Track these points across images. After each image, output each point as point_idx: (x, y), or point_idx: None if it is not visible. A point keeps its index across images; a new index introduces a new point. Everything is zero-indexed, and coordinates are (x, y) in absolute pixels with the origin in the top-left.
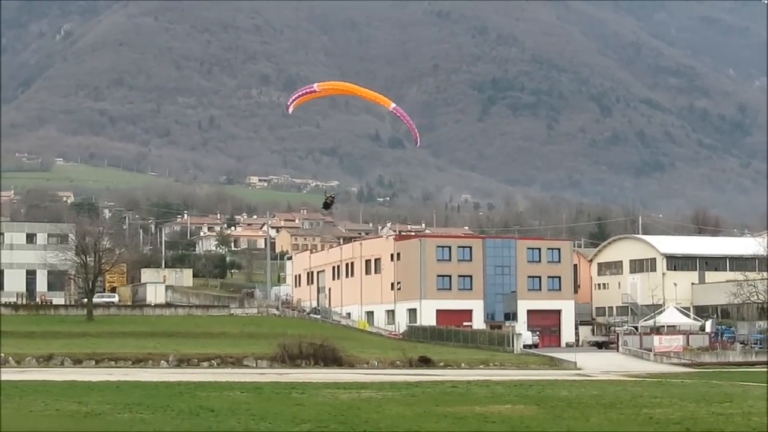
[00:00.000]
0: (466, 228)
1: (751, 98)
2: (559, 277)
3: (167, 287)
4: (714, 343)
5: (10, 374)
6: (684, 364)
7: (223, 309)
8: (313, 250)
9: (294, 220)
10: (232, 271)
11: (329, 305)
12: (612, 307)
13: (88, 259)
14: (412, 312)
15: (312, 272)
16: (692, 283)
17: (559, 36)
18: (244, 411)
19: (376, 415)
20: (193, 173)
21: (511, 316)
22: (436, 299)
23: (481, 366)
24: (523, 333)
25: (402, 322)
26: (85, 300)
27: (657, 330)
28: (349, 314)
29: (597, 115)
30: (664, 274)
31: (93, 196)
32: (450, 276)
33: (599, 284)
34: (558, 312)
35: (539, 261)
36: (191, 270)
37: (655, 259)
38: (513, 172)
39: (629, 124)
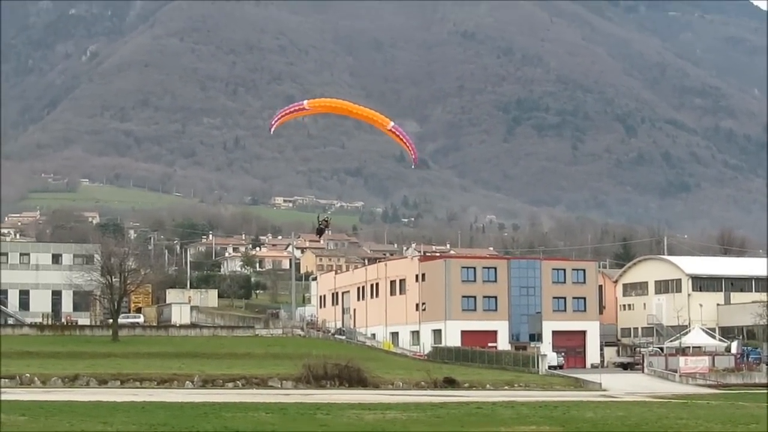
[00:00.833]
0: (491, 249)
1: None
2: (584, 298)
3: (192, 308)
4: (740, 364)
5: (36, 394)
6: (710, 386)
7: (248, 330)
8: (338, 271)
9: (319, 241)
10: (257, 291)
11: (354, 326)
12: (637, 328)
13: (114, 279)
14: (437, 333)
15: (337, 293)
16: (718, 304)
17: (584, 56)
18: None
19: None
20: (218, 194)
21: (536, 336)
22: (460, 320)
23: (506, 387)
24: (548, 354)
25: (427, 343)
26: (111, 320)
27: (682, 351)
28: (373, 335)
29: (622, 135)
30: (689, 295)
31: (118, 216)
32: (475, 297)
33: (624, 305)
34: (583, 333)
35: (564, 282)
36: (216, 290)
37: (680, 279)
38: (538, 192)
39: (654, 145)
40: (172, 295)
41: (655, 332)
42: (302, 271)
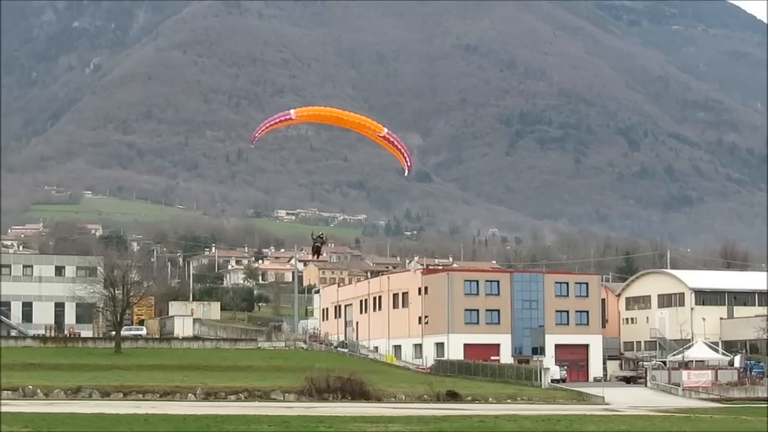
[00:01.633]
0: (494, 262)
1: None
2: (587, 312)
3: (195, 320)
4: (743, 378)
5: (39, 406)
6: (712, 399)
7: (250, 342)
8: (341, 284)
9: (316, 259)
10: (260, 304)
11: (357, 339)
12: (640, 342)
13: (117, 291)
14: (440, 346)
15: (339, 306)
16: (721, 318)
17: (587, 70)
18: None
19: None
20: (221, 206)
21: (539, 350)
22: (463, 333)
23: (509, 400)
24: (550, 367)
25: (429, 356)
26: (113, 333)
27: (685, 365)
28: (376, 348)
29: (625, 149)
30: (692, 308)
31: (121, 228)
32: (478, 310)
33: (627, 319)
34: (586, 346)
35: (567, 295)
36: (219, 303)
37: (683, 293)
38: (541, 205)
39: (657, 159)
40: (174, 307)
41: (658, 346)
42: (305, 283)
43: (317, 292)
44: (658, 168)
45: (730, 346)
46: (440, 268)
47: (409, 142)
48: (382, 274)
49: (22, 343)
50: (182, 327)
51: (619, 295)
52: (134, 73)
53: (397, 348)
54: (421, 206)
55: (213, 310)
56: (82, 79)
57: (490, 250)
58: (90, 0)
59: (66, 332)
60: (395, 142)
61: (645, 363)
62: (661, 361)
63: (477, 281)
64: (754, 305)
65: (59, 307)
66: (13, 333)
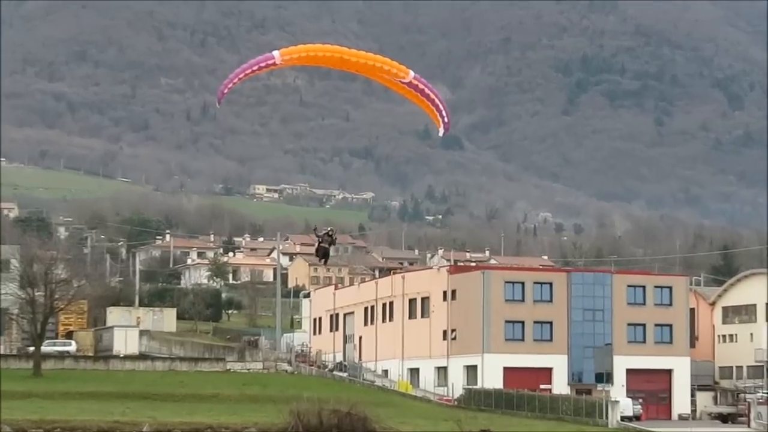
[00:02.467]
0: (545, 257)
1: None
2: (670, 326)
3: (142, 333)
4: None
5: None
6: None
7: (216, 363)
8: (339, 286)
9: (313, 245)
10: (230, 311)
11: (359, 359)
12: (741, 367)
13: (37, 293)
14: (471, 370)
15: (337, 315)
16: None
17: (673, 1)
18: None
19: None
20: (179, 180)
21: (605, 377)
22: (503, 353)
23: None
24: (620, 400)
25: (457, 384)
26: (32, 348)
27: None
28: (385, 372)
29: (724, 107)
30: None
31: (44, 209)
32: (523, 322)
33: (725, 335)
34: (668, 372)
35: (643, 303)
36: (174, 310)
37: None
38: (609, 182)
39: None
40: (114, 315)
41: (766, 372)
42: (291, 284)
43: (307, 296)
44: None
45: None
46: (473, 264)
47: None
48: (394, 273)
49: None
50: (124, 342)
51: (713, 304)
52: None
53: (414, 372)
54: (449, 182)
55: (167, 319)
56: None
57: (541, 241)
58: None
59: None
60: (427, 90)
61: (748, 396)
62: None
63: (522, 283)
64: None
65: None
66: None
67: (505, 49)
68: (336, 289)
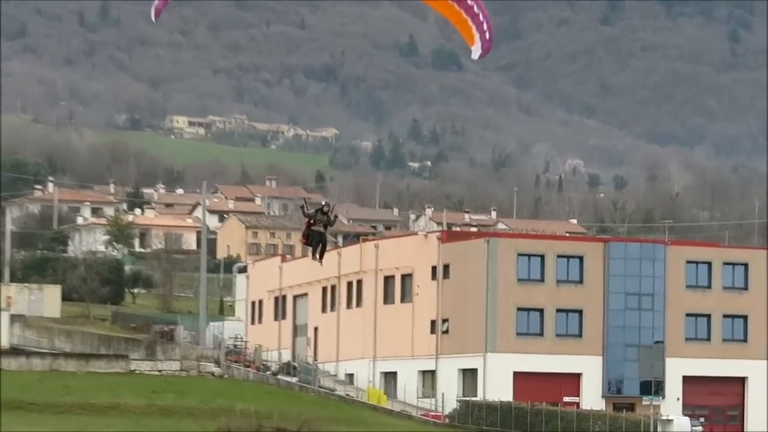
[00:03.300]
0: (574, 221)
1: None
2: (745, 318)
3: (14, 318)
4: None
5: None
6: None
7: (116, 361)
8: (288, 257)
9: (253, 200)
10: (136, 291)
11: (314, 358)
12: None
13: None
14: (469, 376)
15: (284, 297)
16: None
17: None
18: None
19: None
20: (68, 108)
21: (655, 386)
22: (513, 353)
23: None
24: (675, 419)
25: (450, 394)
26: None
27: None
28: (351, 377)
29: None
30: None
31: None
32: (541, 311)
33: None
34: (740, 381)
35: (708, 286)
36: (59, 288)
37: None
38: (663, 119)
39: None
40: None
41: None
42: (220, 255)
43: (243, 270)
44: None
45: None
46: (474, 230)
47: None
48: (364, 241)
49: None
50: None
51: None
52: None
53: (390, 377)
54: (442, 115)
55: (48, 300)
56: None
57: (568, 199)
58: None
59: None
60: None
61: None
62: None
63: (541, 257)
64: None
65: None
66: None
67: None
68: (283, 261)
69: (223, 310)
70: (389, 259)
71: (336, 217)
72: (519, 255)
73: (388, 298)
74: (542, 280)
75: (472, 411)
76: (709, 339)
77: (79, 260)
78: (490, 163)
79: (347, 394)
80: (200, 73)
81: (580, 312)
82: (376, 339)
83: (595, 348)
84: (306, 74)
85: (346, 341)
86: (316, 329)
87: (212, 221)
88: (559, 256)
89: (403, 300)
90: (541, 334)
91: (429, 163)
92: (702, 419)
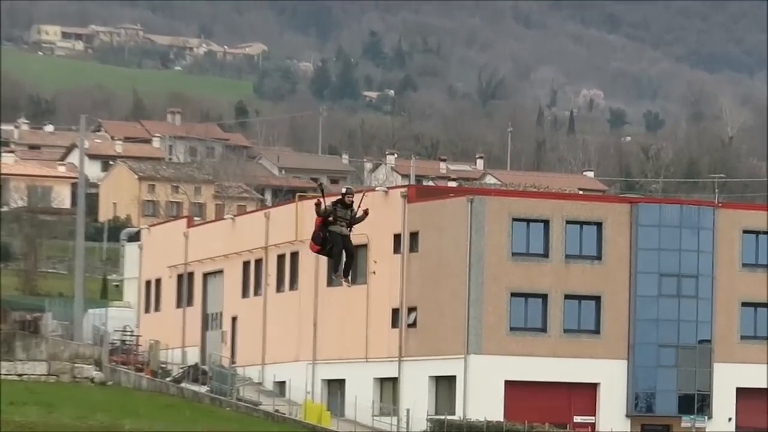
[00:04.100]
0: (590, 174)
1: None
2: None
3: None
4: None
5: None
6: None
7: None
8: (196, 220)
9: (150, 141)
10: None
11: (232, 360)
12: None
13: None
14: (445, 384)
15: (191, 275)
16: None
17: None
18: None
19: None
20: None
21: (698, 402)
22: (505, 355)
23: None
24: None
25: (418, 410)
26: None
27: None
28: (281, 385)
29: None
30: None
31: None
32: (545, 297)
33: None
34: None
35: None
36: None
37: None
38: (711, 35)
39: None
40: None
41: None
42: (103, 216)
43: (135, 238)
44: None
45: None
46: (452, 185)
47: None
48: (301, 198)
49: None
50: None
51: None
52: None
53: (336, 386)
54: (410, 25)
55: None
56: None
57: (583, 142)
58: None
59: None
60: None
61: None
62: None
63: (546, 222)
64: None
65: None
66: None
67: None
68: (190, 226)
69: (107, 293)
70: None
71: (366, 212)
72: (514, 220)
73: (333, 279)
74: (546, 255)
75: None
76: None
77: None
78: (475, 92)
79: (276, 410)
80: None
81: (598, 299)
82: (316, 334)
83: (618, 349)
84: None
85: (275, 337)
86: (234, 320)
87: (93, 170)
88: (568, 222)
89: (354, 281)
90: (544, 329)
91: (392, 93)
92: None
